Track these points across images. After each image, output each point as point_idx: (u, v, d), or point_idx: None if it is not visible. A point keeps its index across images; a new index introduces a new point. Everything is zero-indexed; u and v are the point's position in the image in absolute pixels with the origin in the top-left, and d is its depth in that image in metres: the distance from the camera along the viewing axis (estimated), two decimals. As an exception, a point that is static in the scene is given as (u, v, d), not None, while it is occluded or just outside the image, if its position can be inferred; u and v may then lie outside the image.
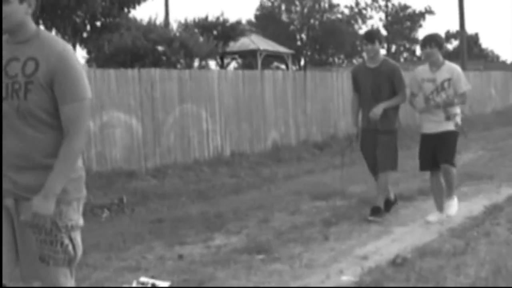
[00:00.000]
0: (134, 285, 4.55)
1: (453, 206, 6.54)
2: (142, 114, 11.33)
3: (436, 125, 6.49)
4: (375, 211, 6.61)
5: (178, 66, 19.74)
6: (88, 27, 16.24)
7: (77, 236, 3.04)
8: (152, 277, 4.72)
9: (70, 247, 2.98)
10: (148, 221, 7.02)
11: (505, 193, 7.79)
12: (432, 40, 6.53)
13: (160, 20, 23.87)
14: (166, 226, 6.64)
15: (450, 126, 6.48)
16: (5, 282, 2.92)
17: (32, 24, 2.99)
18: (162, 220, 6.96)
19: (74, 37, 15.22)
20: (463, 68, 29.19)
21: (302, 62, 55.24)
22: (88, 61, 22.94)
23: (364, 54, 7.87)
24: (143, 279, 4.65)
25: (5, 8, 2.86)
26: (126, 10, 16.25)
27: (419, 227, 6.24)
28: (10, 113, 2.91)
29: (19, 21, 2.92)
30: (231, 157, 12.88)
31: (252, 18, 51.23)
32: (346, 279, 4.65)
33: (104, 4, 14.66)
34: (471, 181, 8.66)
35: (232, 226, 6.51)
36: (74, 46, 15.05)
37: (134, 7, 16.46)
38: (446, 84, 6.42)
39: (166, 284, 4.57)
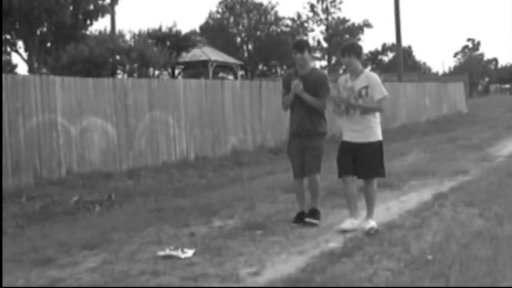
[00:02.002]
0: (166, 252, 5.61)
1: (371, 224, 6.39)
2: (117, 120, 12.25)
3: (358, 134, 6.53)
4: (312, 214, 6.90)
5: (135, 75, 20.60)
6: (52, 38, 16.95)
7: None
8: (176, 247, 5.79)
9: None
10: (147, 210, 8.02)
11: (447, 185, 9.16)
12: (350, 49, 6.64)
13: (108, 31, 24.63)
14: (166, 214, 7.66)
15: (372, 137, 6.54)
16: None
17: None
18: (160, 209, 7.98)
19: (40, 47, 15.92)
20: (400, 79, 31.06)
21: (244, 73, 56.76)
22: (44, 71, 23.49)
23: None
24: (171, 247, 5.73)
25: None
26: (89, 22, 17.04)
27: (382, 210, 7.44)
28: None
29: None
30: (195, 160, 13.90)
31: (197, 29, 52.38)
32: (333, 245, 5.84)
33: (72, 16, 15.43)
34: (418, 177, 10.03)
35: (224, 213, 7.62)
36: (39, 55, 15.76)
37: (96, 19, 17.29)
38: (363, 92, 6.48)
39: (192, 251, 5.65)
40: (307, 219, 6.80)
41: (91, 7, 16.96)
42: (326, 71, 9.07)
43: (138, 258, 5.60)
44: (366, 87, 6.51)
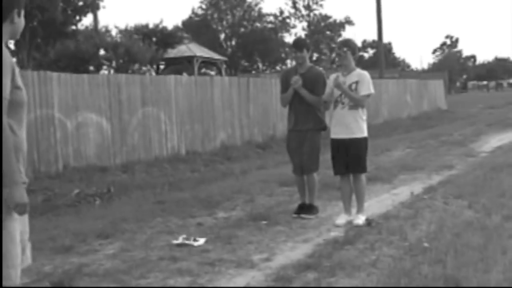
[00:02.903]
0: (180, 241, 5.94)
1: (361, 219, 6.67)
2: (111, 115, 12.51)
3: (345, 129, 6.75)
4: (308, 209, 7.18)
5: (129, 72, 20.79)
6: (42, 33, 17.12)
7: None
8: (188, 236, 6.12)
9: None
10: (151, 202, 8.33)
11: (436, 179, 9.59)
12: (347, 44, 6.98)
13: (90, 27, 24.74)
14: (170, 205, 7.98)
15: (359, 133, 6.78)
16: (19, 279, 3.22)
17: None
18: (163, 202, 8.29)
19: (30, 43, 16.10)
20: (381, 76, 31.58)
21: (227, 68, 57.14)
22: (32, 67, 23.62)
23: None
24: (184, 236, 6.06)
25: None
26: (78, 17, 17.24)
27: (375, 202, 7.85)
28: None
29: None
30: (186, 155, 14.21)
31: (180, 25, 52.64)
32: (335, 234, 6.22)
33: (63, 12, 15.63)
34: (406, 171, 10.45)
35: (226, 205, 7.96)
36: (29, 51, 15.94)
37: (85, 15, 17.51)
38: (353, 86, 6.73)
39: (203, 240, 5.99)
40: (303, 215, 7.09)
41: (80, 3, 17.16)
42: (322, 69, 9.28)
43: (153, 246, 5.93)
44: (357, 82, 6.78)
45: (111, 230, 6.56)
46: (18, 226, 3.13)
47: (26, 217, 3.31)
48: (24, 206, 3.07)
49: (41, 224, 7.28)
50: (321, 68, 7.98)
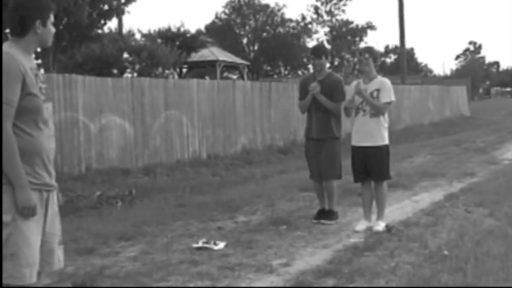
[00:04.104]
0: (200, 244, 6.00)
1: (381, 225, 6.66)
2: (134, 118, 12.63)
3: (366, 137, 6.74)
4: (328, 214, 7.15)
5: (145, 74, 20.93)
6: (68, 37, 17.33)
7: None
8: (209, 240, 6.17)
9: None
10: (172, 206, 8.40)
11: (457, 186, 9.55)
12: (369, 51, 6.96)
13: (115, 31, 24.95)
14: (191, 209, 8.04)
15: (380, 141, 6.77)
16: (34, 278, 3.23)
17: None
18: (184, 205, 8.36)
19: (56, 46, 16.32)
20: (403, 82, 31.46)
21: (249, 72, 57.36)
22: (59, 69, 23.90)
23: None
24: (204, 240, 6.11)
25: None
26: (103, 21, 17.44)
27: (396, 209, 7.85)
28: (49, 113, 3.37)
29: None
30: (207, 159, 14.29)
31: (202, 29, 52.96)
32: (354, 240, 6.23)
33: (89, 16, 15.83)
34: (427, 178, 10.42)
35: (247, 209, 8.00)
36: (55, 54, 16.16)
37: (110, 19, 17.70)
38: (375, 94, 6.72)
39: (223, 243, 6.04)
40: (323, 221, 7.09)
41: (106, 7, 17.37)
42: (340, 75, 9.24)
43: (174, 249, 5.98)
44: (378, 90, 6.77)
45: (133, 233, 6.63)
46: (35, 227, 3.19)
47: (56, 220, 3.41)
48: (30, 209, 3.14)
49: (63, 225, 7.30)
50: (342, 74, 8.01)
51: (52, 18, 3.29)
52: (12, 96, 3.10)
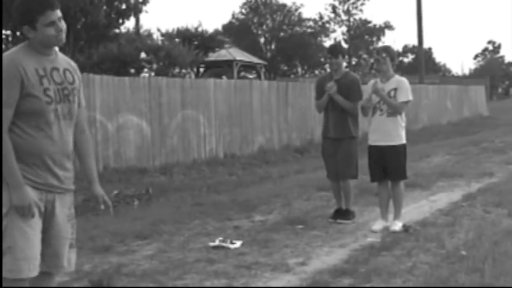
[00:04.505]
0: (217, 243, 6.01)
1: (398, 225, 6.63)
2: (151, 118, 12.67)
3: (384, 136, 6.71)
4: (345, 214, 7.13)
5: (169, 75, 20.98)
6: (85, 36, 17.45)
7: None
8: (225, 239, 6.18)
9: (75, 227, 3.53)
10: (189, 205, 8.42)
11: (475, 187, 9.48)
12: (386, 50, 6.95)
13: (134, 30, 25.06)
14: (208, 208, 8.05)
15: (397, 140, 6.73)
16: (34, 272, 3.22)
17: None
18: (201, 204, 8.38)
19: (74, 46, 16.43)
20: (421, 81, 31.27)
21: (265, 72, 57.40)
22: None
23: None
24: (220, 239, 6.13)
25: (63, 24, 3.27)
26: (121, 20, 17.52)
27: (413, 209, 7.81)
28: (62, 116, 3.30)
29: None
30: (224, 158, 14.31)
31: (220, 29, 53.08)
32: (371, 240, 6.21)
33: (106, 15, 15.92)
34: (445, 178, 10.36)
35: (263, 208, 8.01)
36: (73, 54, 16.27)
37: (128, 19, 17.78)
38: (392, 93, 6.70)
39: (240, 242, 6.05)
40: (339, 220, 7.08)
41: (124, 6, 17.47)
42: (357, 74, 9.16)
43: (190, 248, 6.00)
44: (395, 89, 6.74)
45: (149, 231, 6.66)
46: (33, 221, 3.17)
47: (67, 224, 3.38)
48: (23, 209, 3.14)
49: (80, 224, 7.37)
50: (359, 73, 7.98)
51: (50, 18, 3.19)
52: (5, 97, 3.12)
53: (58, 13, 3.24)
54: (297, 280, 4.95)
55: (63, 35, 3.29)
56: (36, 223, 3.21)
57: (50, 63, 3.29)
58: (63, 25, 3.27)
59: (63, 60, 3.40)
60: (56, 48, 3.44)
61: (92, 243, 6.17)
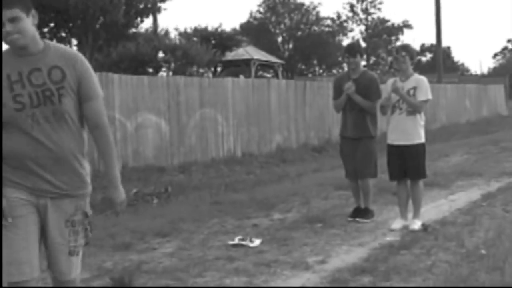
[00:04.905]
0: (236, 241, 6.05)
1: (417, 224, 6.63)
2: (170, 117, 12.73)
3: (403, 135, 6.70)
4: (363, 212, 7.14)
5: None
6: (105, 35, 17.59)
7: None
8: (244, 237, 6.21)
9: (89, 231, 3.37)
10: (208, 203, 8.46)
11: (494, 186, 9.44)
12: (406, 49, 6.90)
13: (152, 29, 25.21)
14: (226, 207, 8.10)
15: (416, 139, 6.73)
16: (35, 274, 3.17)
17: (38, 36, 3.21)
18: (220, 202, 8.42)
19: (93, 45, 16.56)
20: (439, 80, 31.08)
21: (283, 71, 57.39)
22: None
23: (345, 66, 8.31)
24: (240, 237, 6.16)
25: (19, 25, 3.04)
26: (139, 19, 17.64)
27: (432, 208, 7.80)
28: (43, 119, 3.13)
29: (32, 35, 3.12)
30: (242, 157, 14.34)
31: (238, 28, 53.16)
32: (390, 238, 6.21)
33: (125, 15, 16.04)
34: (464, 177, 10.32)
35: (282, 207, 8.04)
36: (91, 53, 16.40)
37: (148, 17, 17.88)
38: (411, 92, 6.67)
39: (259, 241, 6.08)
40: (358, 219, 7.08)
41: (142, 5, 17.59)
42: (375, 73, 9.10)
43: (210, 246, 6.05)
44: (415, 88, 6.71)
45: (169, 229, 6.71)
46: (14, 227, 3.10)
47: (64, 229, 3.25)
48: None
49: (100, 221, 7.47)
50: (378, 72, 7.97)
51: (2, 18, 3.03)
52: None
53: (11, 13, 3.03)
54: (317, 278, 4.97)
55: (16, 37, 3.07)
56: (22, 228, 3.11)
57: (30, 65, 3.13)
58: (15, 26, 3.04)
59: (54, 56, 3.18)
60: (52, 43, 3.29)
61: (112, 240, 6.23)
